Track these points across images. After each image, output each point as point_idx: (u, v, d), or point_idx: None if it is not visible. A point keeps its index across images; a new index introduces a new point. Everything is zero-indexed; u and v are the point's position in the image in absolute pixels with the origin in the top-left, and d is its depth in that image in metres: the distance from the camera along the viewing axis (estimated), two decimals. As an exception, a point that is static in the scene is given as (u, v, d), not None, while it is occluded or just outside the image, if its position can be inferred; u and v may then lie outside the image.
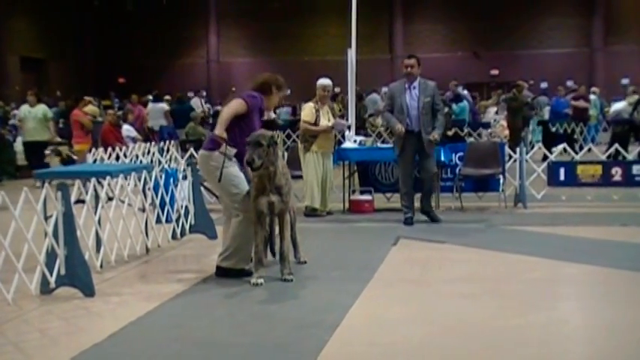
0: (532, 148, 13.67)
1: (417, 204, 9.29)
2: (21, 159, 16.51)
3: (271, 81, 6.82)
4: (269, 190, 6.22)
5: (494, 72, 34.21)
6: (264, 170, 6.16)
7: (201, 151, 6.68)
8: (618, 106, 21.37)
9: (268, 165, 6.15)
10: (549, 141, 17.34)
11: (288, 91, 7.17)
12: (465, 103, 20.21)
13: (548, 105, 21.71)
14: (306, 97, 10.85)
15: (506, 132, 18.08)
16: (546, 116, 21.04)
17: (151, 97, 20.61)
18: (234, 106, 6.46)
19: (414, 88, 9.06)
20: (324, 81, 10.18)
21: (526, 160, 10.72)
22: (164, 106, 18.89)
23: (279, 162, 6.29)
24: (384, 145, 10.65)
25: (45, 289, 5.89)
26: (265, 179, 6.21)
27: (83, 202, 6.75)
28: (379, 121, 20.34)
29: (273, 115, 17.85)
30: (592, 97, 20.40)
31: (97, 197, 6.97)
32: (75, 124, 15.46)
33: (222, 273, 6.48)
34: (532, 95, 19.87)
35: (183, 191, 8.36)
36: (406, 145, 9.04)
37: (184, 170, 8.58)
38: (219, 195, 6.97)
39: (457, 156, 10.53)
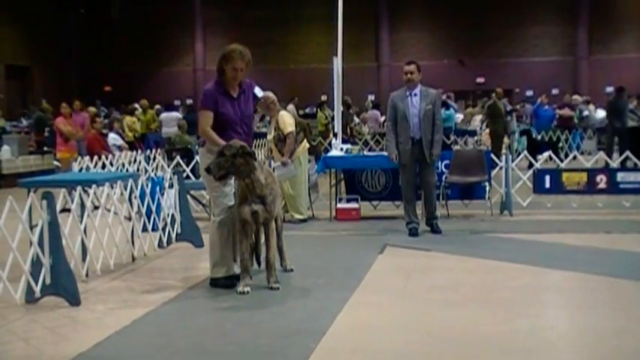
0: (518, 155, 13.73)
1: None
2: (6, 168, 16.42)
3: (219, 62, 6.42)
4: (251, 200, 6.19)
5: (480, 80, 34.35)
6: (242, 181, 6.14)
7: (200, 148, 6.71)
8: (603, 114, 21.57)
9: (242, 176, 6.10)
10: (534, 149, 17.48)
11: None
12: (451, 110, 20.33)
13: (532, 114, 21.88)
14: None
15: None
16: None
17: (137, 106, 20.74)
18: (200, 121, 6.41)
19: (415, 95, 8.79)
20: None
21: (512, 168, 10.78)
22: (177, 114, 19.10)
23: (257, 173, 6.13)
24: (371, 153, 10.67)
25: (30, 298, 5.86)
26: (245, 189, 6.18)
27: (69, 210, 6.73)
28: (365, 129, 20.43)
29: None
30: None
31: (82, 206, 6.94)
32: (56, 132, 15.39)
33: (211, 283, 6.49)
34: (508, 104, 20.04)
35: (169, 199, 8.34)
36: (407, 155, 8.78)
37: (170, 178, 8.57)
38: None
39: (443, 164, 10.56)
